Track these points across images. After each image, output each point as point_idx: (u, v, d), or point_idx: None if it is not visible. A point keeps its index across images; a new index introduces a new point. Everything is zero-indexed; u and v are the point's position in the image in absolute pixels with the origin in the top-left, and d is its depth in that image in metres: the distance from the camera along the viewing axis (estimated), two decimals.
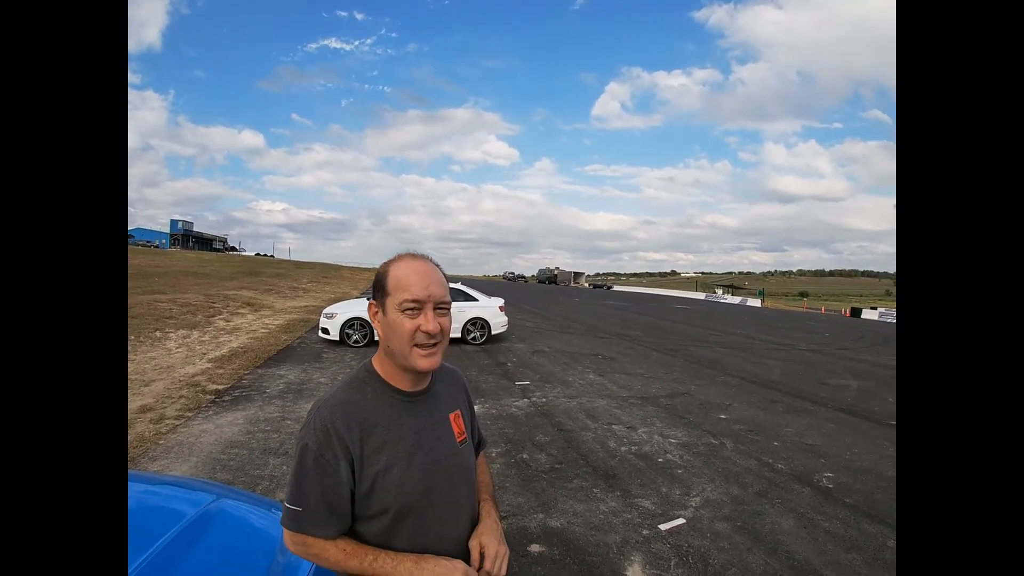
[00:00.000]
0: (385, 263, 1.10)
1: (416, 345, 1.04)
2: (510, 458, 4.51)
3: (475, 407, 1.35)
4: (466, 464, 1.21)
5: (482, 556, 1.14)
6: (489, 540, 1.16)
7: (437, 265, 1.13)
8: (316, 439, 1.01)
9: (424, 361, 1.06)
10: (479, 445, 1.36)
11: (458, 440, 1.19)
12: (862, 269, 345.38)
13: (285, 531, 1.05)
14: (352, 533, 1.08)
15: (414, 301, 1.03)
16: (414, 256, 1.10)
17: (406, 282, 1.04)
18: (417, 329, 1.03)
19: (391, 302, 1.05)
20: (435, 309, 1.06)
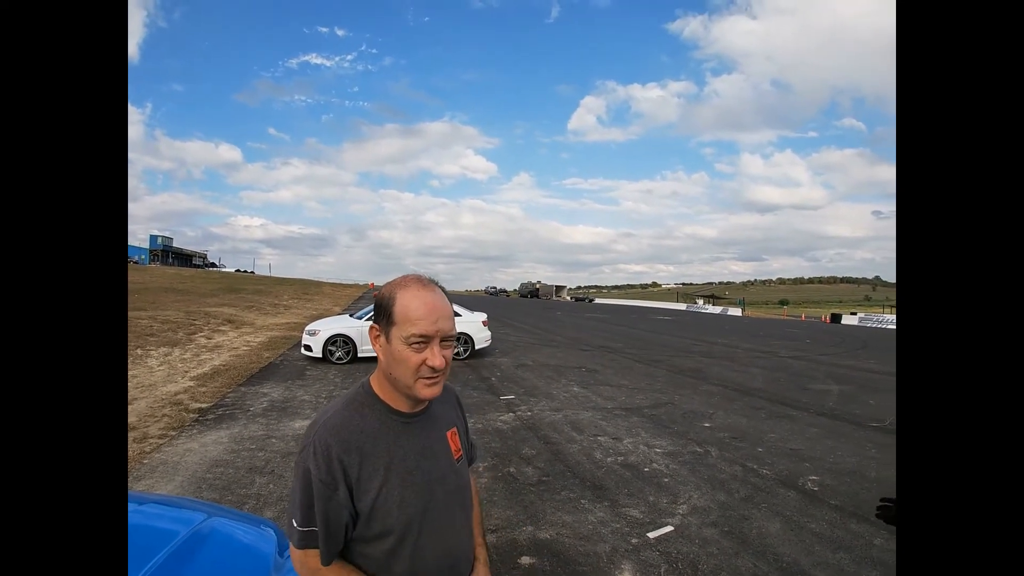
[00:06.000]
0: (391, 285, 1.07)
1: (420, 377, 1.03)
2: (497, 472, 4.52)
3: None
4: (463, 482, 1.21)
5: None
6: None
7: (443, 289, 1.10)
8: (316, 464, 1.00)
9: (428, 391, 1.05)
10: (471, 457, 1.37)
11: (455, 458, 1.19)
12: (841, 276, 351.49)
13: (297, 552, 1.03)
14: (352, 556, 1.06)
15: (421, 336, 1.01)
16: (423, 284, 1.06)
17: (414, 315, 1.01)
18: (423, 363, 1.02)
19: (397, 332, 1.02)
20: (441, 342, 1.04)
